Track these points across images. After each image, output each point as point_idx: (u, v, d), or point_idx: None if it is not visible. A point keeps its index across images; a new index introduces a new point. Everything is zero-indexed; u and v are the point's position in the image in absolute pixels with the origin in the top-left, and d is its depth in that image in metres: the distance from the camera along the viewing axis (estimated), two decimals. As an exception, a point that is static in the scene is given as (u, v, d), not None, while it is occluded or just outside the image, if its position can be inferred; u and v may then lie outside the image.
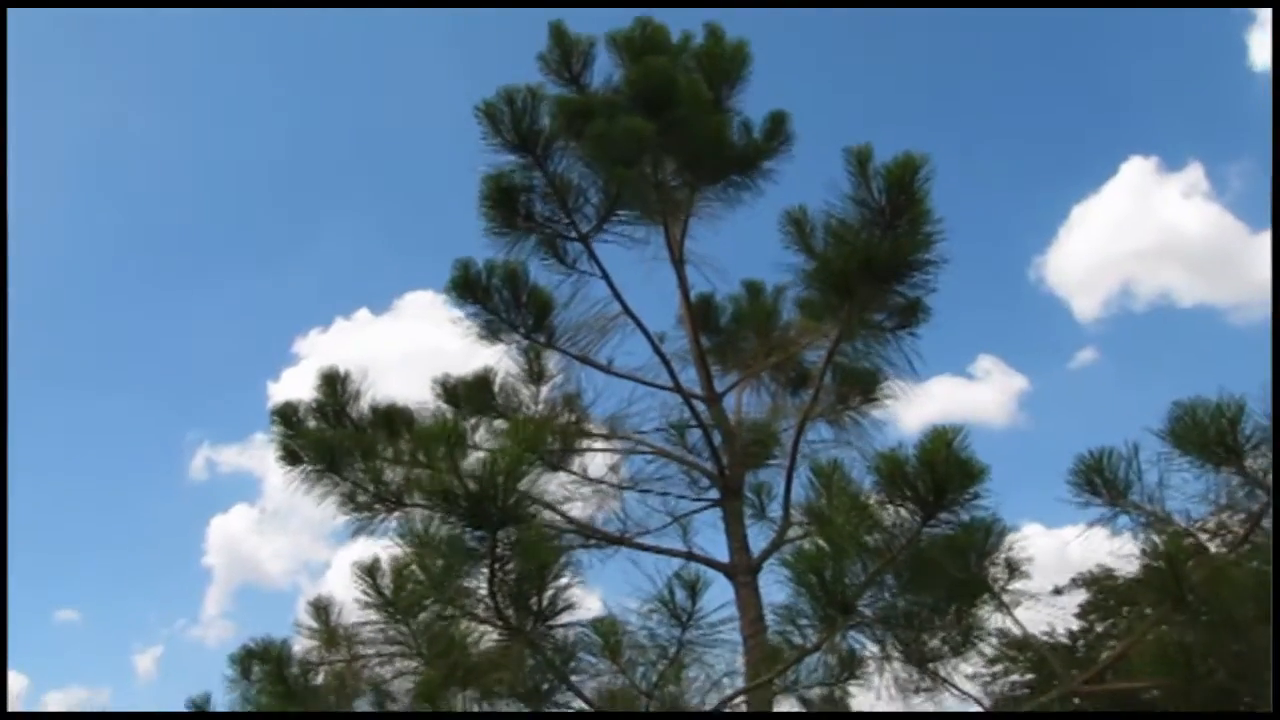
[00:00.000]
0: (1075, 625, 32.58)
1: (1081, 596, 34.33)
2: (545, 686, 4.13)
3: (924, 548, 3.97)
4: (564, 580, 3.74)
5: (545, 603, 3.66)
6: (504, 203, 5.84)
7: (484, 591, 3.70)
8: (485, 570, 3.57)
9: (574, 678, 4.10)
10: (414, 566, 3.91)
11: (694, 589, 4.03)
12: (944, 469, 3.65)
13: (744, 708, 4.97)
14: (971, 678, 4.94)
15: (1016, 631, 4.89)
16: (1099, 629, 32.98)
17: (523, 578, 3.59)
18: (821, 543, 3.71)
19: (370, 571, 4.73)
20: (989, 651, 5.12)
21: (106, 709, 4.43)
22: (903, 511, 3.79)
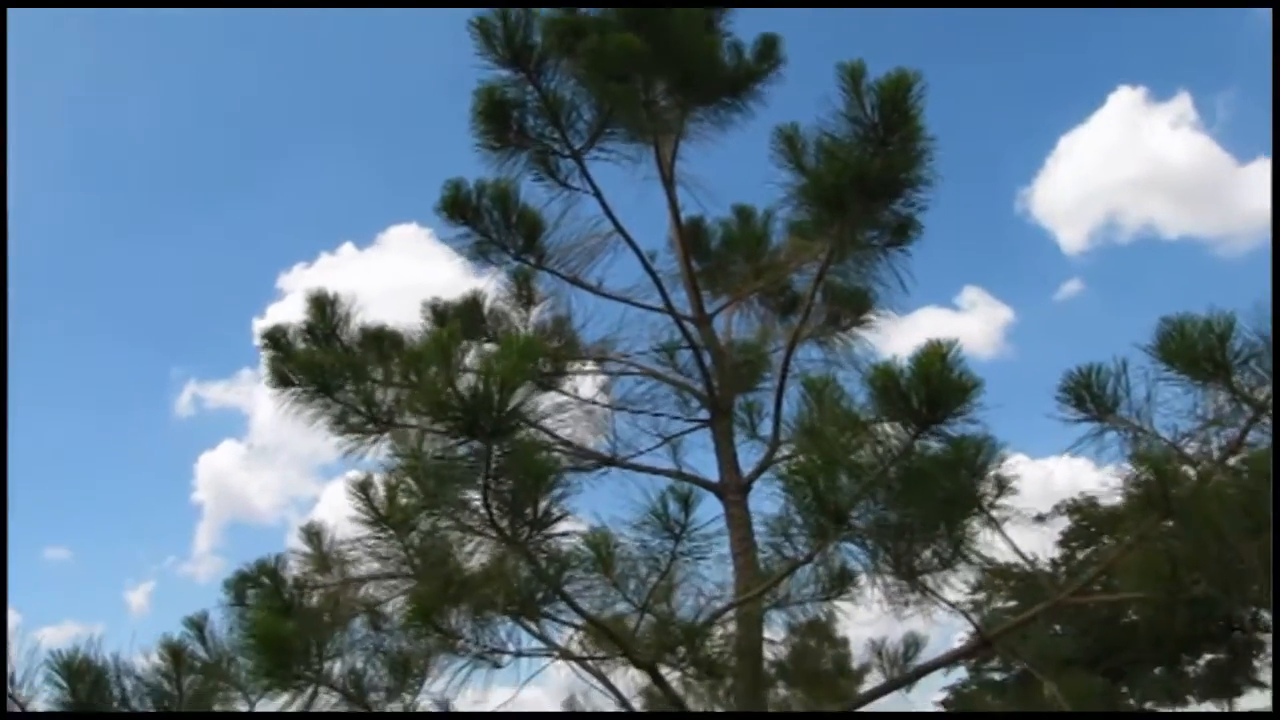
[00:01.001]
0: (1057, 553, 33.04)
1: (1064, 524, 34.83)
2: (539, 596, 4.16)
3: (915, 462, 4.01)
4: (558, 491, 3.75)
5: (540, 512, 3.68)
6: (496, 117, 5.79)
7: (477, 503, 3.71)
8: (479, 482, 3.57)
9: (567, 587, 4.13)
10: (408, 479, 3.92)
11: (686, 502, 4.05)
12: (938, 382, 3.66)
13: (734, 624, 5.03)
14: (953, 606, 4.98)
15: (1004, 549, 4.94)
16: (1080, 556, 33.48)
17: (517, 488, 3.60)
18: (814, 454, 3.72)
19: (363, 488, 4.75)
20: (975, 577, 5.18)
21: (100, 644, 4.48)
22: (895, 425, 3.81)
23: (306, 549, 5.88)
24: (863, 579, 4.96)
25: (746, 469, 5.90)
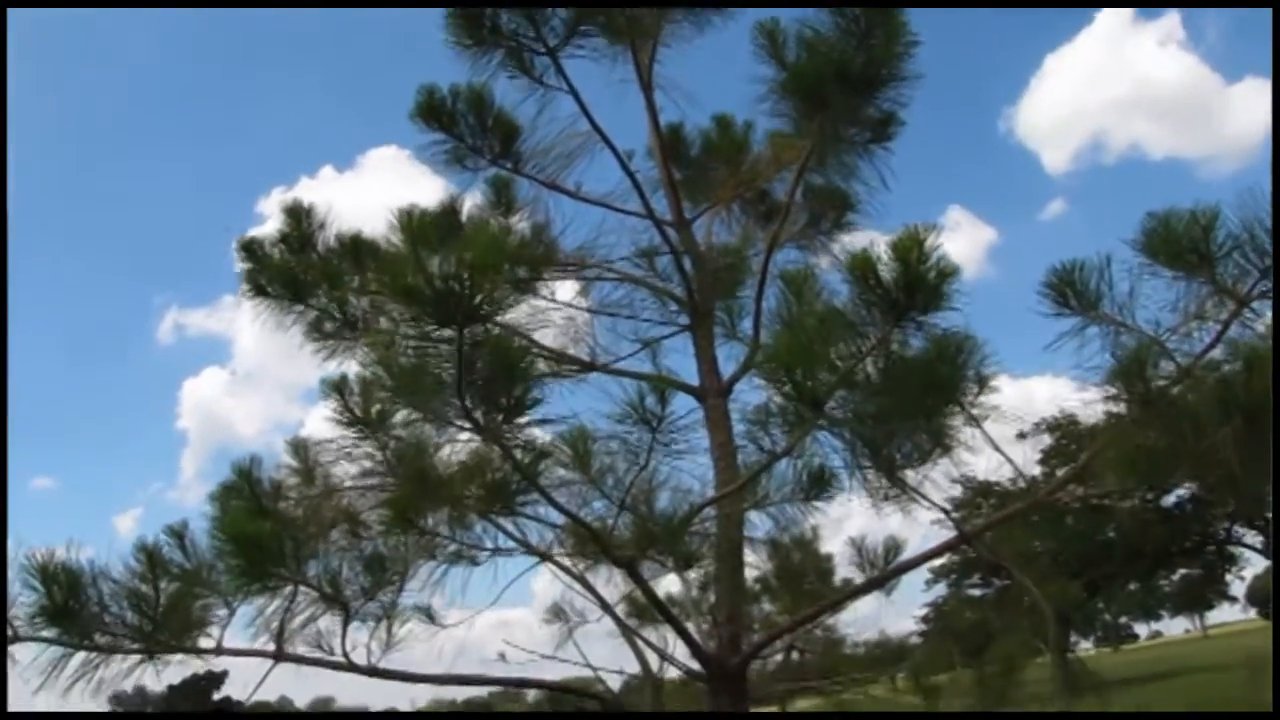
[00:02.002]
0: (1038, 470, 33.43)
1: (1045, 442, 35.20)
2: (514, 488, 4.13)
3: (895, 353, 3.97)
4: (532, 380, 3.70)
5: (513, 400, 3.63)
6: (470, 14, 5.65)
7: (451, 395, 3.66)
8: (452, 371, 3.52)
9: (545, 485, 4.09)
10: (380, 370, 3.86)
11: (663, 395, 4.01)
12: (917, 267, 3.61)
13: (714, 523, 5.03)
14: (932, 504, 4.97)
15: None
16: (1060, 473, 33.86)
17: (491, 376, 3.55)
18: (792, 342, 3.67)
19: (338, 388, 4.70)
20: (956, 473, 5.15)
21: (89, 565, 4.43)
22: (874, 313, 3.76)
23: (292, 461, 5.85)
24: (843, 478, 4.97)
25: (727, 375, 5.87)
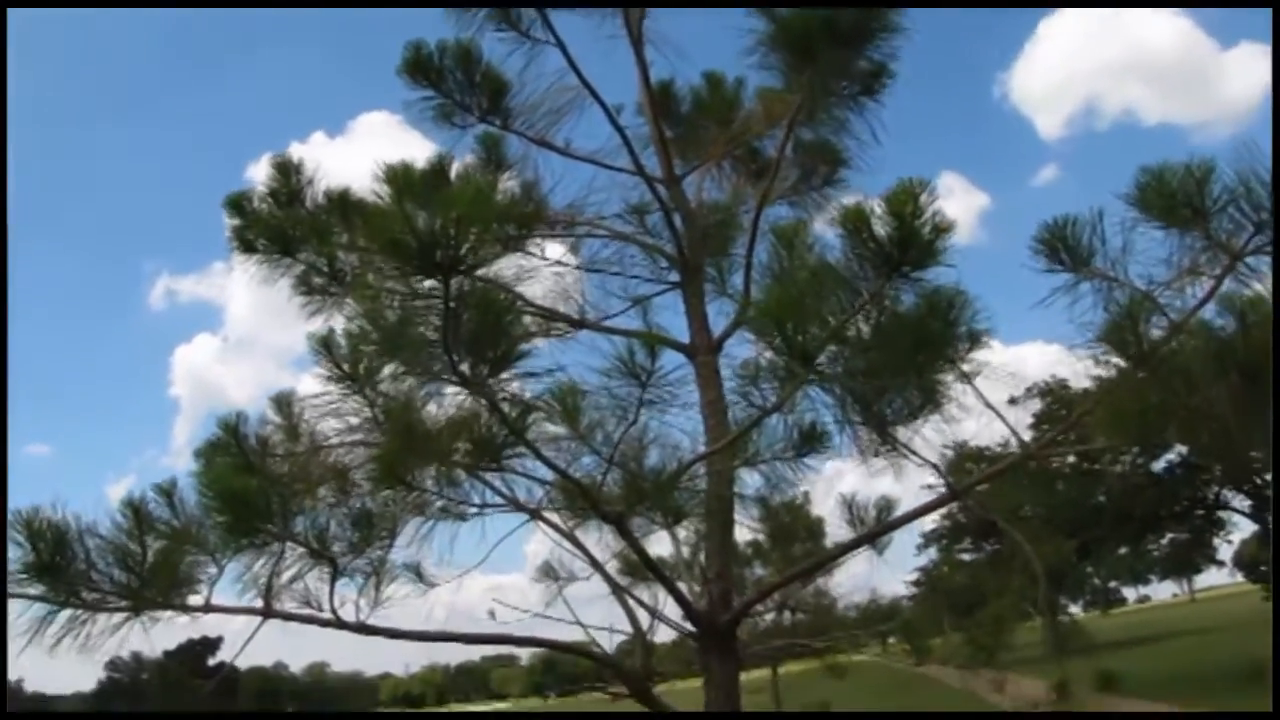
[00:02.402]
0: (1028, 435, 33.48)
1: (1037, 408, 35.28)
2: (501, 441, 4.09)
3: (887, 308, 3.94)
4: (518, 332, 3.66)
5: (500, 353, 3.59)
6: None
7: (438, 348, 3.62)
8: (438, 323, 3.48)
9: (530, 437, 4.06)
10: (367, 323, 3.82)
11: (653, 350, 3.98)
12: (911, 221, 3.57)
13: (704, 480, 5.00)
14: (924, 460, 4.94)
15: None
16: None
17: (478, 329, 3.50)
18: (783, 295, 3.63)
19: (325, 343, 4.66)
20: (947, 426, 5.13)
21: (75, 522, 4.40)
22: (866, 267, 3.73)
23: (276, 418, 5.81)
24: (834, 435, 4.95)
25: (718, 332, 5.84)
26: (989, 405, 4.75)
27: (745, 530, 6.71)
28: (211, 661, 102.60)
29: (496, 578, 6.96)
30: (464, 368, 3.59)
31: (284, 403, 5.84)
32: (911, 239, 3.63)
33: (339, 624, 4.84)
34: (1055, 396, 33.87)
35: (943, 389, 4.51)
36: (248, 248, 6.33)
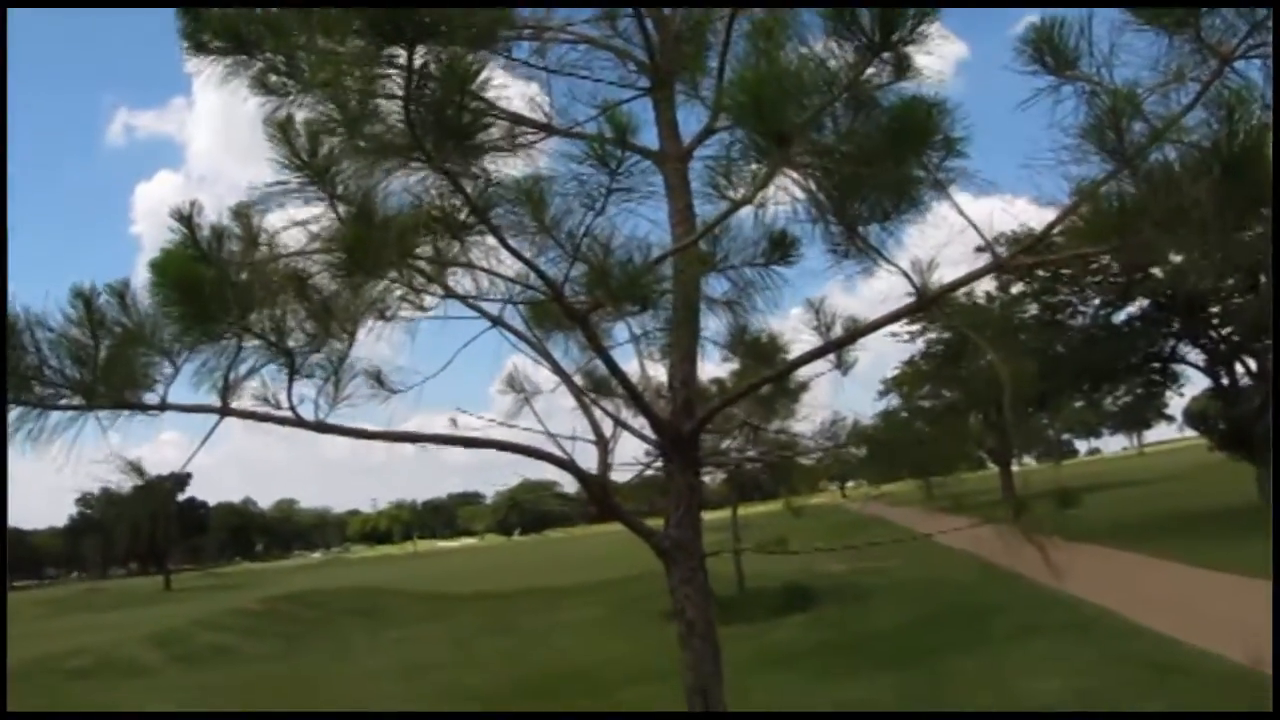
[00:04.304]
0: (992, 287, 33.69)
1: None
2: (461, 219, 3.96)
3: (866, 96, 3.82)
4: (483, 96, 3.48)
5: (464, 124, 3.44)
6: None
7: (400, 123, 3.46)
8: (401, 94, 3.31)
9: (494, 221, 3.93)
10: (329, 105, 3.65)
11: (624, 131, 3.82)
12: (894, -1, 3.41)
13: (671, 284, 4.90)
14: (895, 267, 4.84)
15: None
16: (1016, 289, 34.21)
17: (442, 99, 3.34)
18: (761, 73, 3.48)
19: (283, 129, 4.46)
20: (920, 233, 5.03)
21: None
22: (847, 49, 3.57)
23: (236, 230, 5.63)
24: (805, 237, 4.86)
25: (688, 140, 5.66)
26: (961, 213, 4.67)
27: (713, 355, 6.66)
28: (181, 497, 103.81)
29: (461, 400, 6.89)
30: (427, 143, 3.44)
31: (243, 214, 5.65)
32: (896, 21, 3.49)
33: (298, 422, 4.78)
34: (1023, 246, 33.91)
35: (916, 190, 4.40)
36: (200, 48, 6.03)
